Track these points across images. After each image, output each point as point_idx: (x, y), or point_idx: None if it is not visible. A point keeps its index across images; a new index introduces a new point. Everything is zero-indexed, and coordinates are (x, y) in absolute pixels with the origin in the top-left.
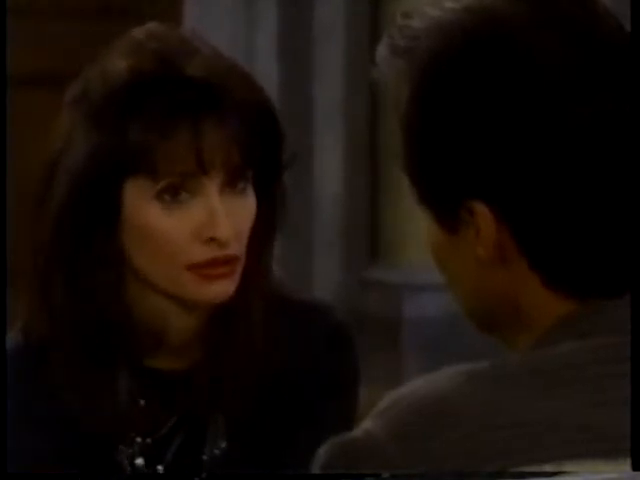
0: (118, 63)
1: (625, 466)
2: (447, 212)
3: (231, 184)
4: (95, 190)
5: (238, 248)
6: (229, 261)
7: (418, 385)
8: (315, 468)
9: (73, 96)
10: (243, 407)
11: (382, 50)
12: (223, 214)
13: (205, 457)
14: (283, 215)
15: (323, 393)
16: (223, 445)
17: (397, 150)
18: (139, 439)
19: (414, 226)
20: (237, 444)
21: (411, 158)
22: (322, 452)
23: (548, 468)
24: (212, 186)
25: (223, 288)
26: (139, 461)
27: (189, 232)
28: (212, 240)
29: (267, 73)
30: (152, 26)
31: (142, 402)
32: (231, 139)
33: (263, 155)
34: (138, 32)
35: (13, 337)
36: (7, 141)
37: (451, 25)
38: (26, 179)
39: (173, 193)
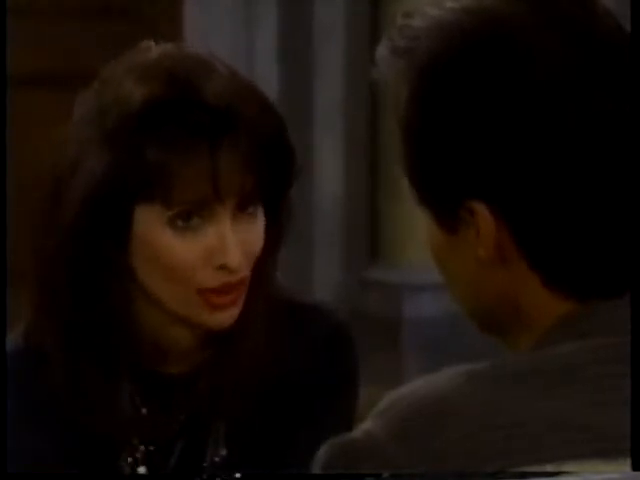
0: (133, 89)
1: (625, 466)
2: (447, 212)
3: (242, 208)
4: (106, 211)
5: (246, 270)
6: (239, 285)
7: (418, 385)
8: (315, 469)
9: (85, 114)
10: (244, 411)
11: (382, 50)
12: (234, 242)
13: (206, 464)
14: (289, 228)
15: (323, 393)
16: (224, 452)
17: (397, 150)
18: (142, 447)
19: (414, 226)
20: (237, 450)
21: (411, 158)
22: (322, 452)
23: (548, 468)
24: (225, 212)
25: (230, 314)
26: (141, 469)
27: (200, 257)
28: (222, 267)
29: (267, 73)
30: (167, 47)
31: (144, 410)
32: (247, 165)
33: (275, 176)
34: (153, 53)
35: (14, 339)
36: (7, 141)
37: (451, 25)
38: (26, 179)
39: (185, 218)
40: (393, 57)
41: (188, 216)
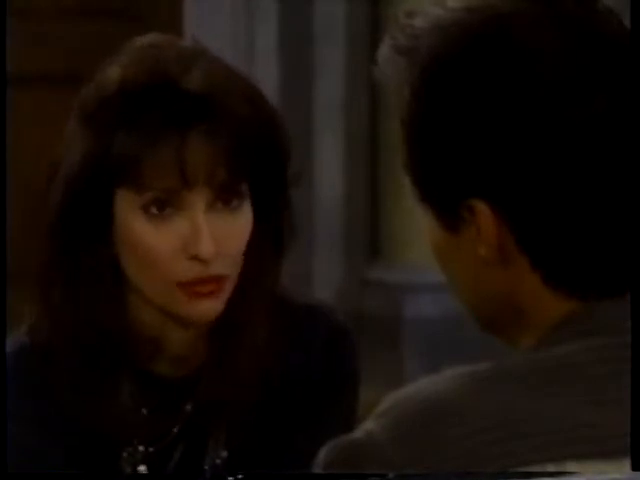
0: (113, 72)
1: (625, 466)
2: (448, 211)
3: (223, 200)
4: (86, 198)
5: (225, 266)
6: (214, 280)
7: (419, 386)
8: (316, 469)
9: (77, 103)
10: (245, 413)
11: (384, 49)
12: (207, 232)
13: (206, 467)
14: (290, 231)
15: (324, 394)
16: (224, 454)
17: (398, 149)
18: (142, 447)
19: (414, 226)
20: (238, 452)
21: (412, 157)
22: (323, 453)
23: (549, 468)
24: (198, 202)
25: (208, 307)
26: (141, 468)
27: (173, 247)
28: (195, 258)
29: (267, 73)
30: (152, 36)
31: (144, 410)
32: (219, 155)
33: (261, 171)
34: (138, 41)
35: (19, 337)
36: (7, 141)
37: (452, 24)
38: (26, 179)
39: (160, 206)
40: (395, 56)
41: (162, 204)
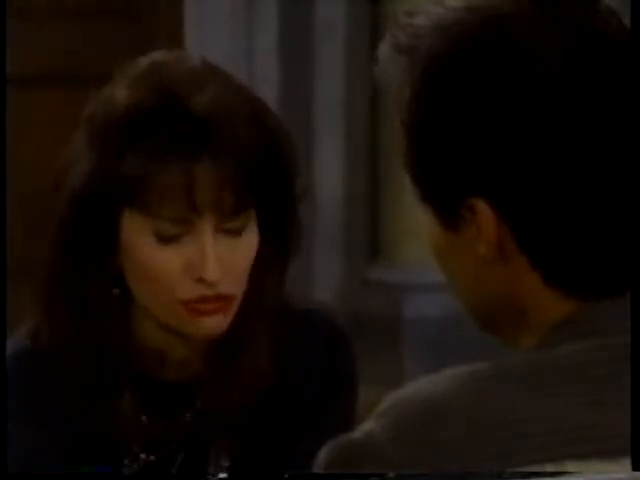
0: (120, 93)
1: (625, 466)
2: (448, 210)
3: (229, 222)
4: (92, 214)
5: (231, 286)
6: (219, 299)
7: (419, 386)
8: (316, 470)
9: (83, 118)
10: (245, 422)
11: (385, 48)
12: (213, 256)
13: (209, 475)
14: (296, 246)
15: (323, 395)
16: (226, 464)
17: (398, 149)
18: (143, 455)
19: (414, 225)
20: (240, 460)
21: (412, 156)
22: (322, 454)
23: (549, 468)
24: (205, 226)
25: (214, 323)
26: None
27: (180, 269)
28: (200, 281)
29: (267, 73)
30: (160, 55)
31: (144, 418)
32: (226, 180)
33: (268, 193)
34: (146, 60)
35: (20, 339)
36: (7, 141)
37: (453, 24)
38: (26, 179)
39: (168, 230)
40: (396, 55)
41: (171, 228)
